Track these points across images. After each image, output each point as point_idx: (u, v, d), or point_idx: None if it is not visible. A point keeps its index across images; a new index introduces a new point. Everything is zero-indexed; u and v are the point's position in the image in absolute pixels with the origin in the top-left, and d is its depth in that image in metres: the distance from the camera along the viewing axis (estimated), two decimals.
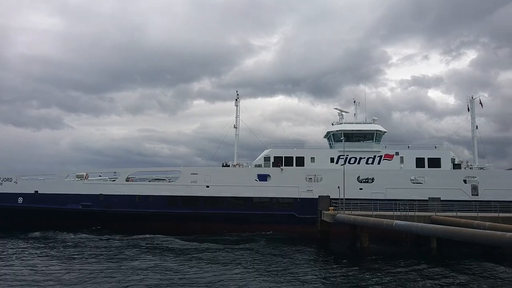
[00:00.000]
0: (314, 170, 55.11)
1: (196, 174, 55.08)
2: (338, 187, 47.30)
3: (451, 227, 31.30)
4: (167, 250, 39.20)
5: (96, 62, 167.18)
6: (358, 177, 54.58)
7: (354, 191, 51.40)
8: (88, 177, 57.20)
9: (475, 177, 54.01)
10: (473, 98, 62.41)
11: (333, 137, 60.02)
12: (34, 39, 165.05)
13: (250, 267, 30.89)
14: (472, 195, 52.64)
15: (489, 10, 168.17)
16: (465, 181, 53.72)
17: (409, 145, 59.60)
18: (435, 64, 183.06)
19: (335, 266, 32.46)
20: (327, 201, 47.29)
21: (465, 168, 57.23)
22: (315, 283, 26.22)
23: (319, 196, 48.64)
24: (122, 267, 30.21)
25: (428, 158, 56.55)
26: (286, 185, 53.84)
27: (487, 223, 34.56)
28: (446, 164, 56.30)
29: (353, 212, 43.71)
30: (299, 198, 53.56)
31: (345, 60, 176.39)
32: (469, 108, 62.92)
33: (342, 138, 57.53)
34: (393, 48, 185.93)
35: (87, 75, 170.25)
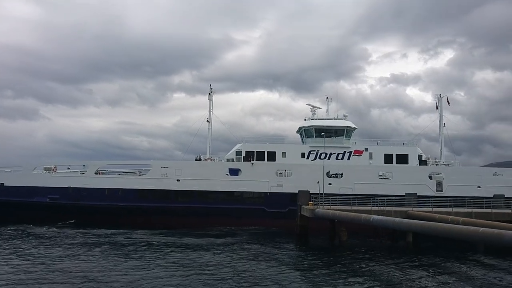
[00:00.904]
0: (285, 165, 55.69)
1: (167, 167, 54.92)
2: (318, 182, 47.81)
3: (428, 222, 31.93)
4: (148, 246, 38.21)
5: (75, 53, 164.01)
6: (328, 172, 55.39)
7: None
8: (56, 169, 56.31)
9: (440, 173, 55.62)
10: (441, 96, 64.06)
11: (304, 133, 60.72)
12: (10, 27, 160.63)
13: (229, 263, 30.50)
14: (437, 190, 54.24)
15: (465, 10, 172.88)
16: (430, 177, 55.26)
17: (378, 142, 60.88)
18: (414, 63, 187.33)
19: (314, 261, 32.88)
20: (306, 195, 47.70)
21: (432, 164, 58.85)
22: (294, 278, 26.40)
23: (298, 191, 48.97)
24: (106, 265, 29.15)
25: (396, 154, 57.90)
26: (256, 180, 54.23)
27: (461, 219, 35.47)
28: (413, 160, 57.76)
29: (332, 207, 44.12)
30: (269, 193, 54.07)
31: (326, 56, 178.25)
32: (437, 106, 64.58)
33: (314, 133, 58.46)
34: (373, 45, 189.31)
35: (65, 66, 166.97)
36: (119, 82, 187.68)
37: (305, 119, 63.34)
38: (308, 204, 46.00)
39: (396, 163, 57.42)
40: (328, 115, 63.66)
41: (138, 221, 50.74)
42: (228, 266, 29.24)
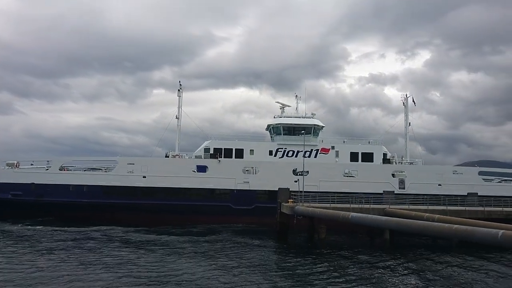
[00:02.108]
0: (251, 162, 56.17)
1: (133, 164, 54.66)
2: (298, 180, 48.41)
3: (404, 219, 32.62)
4: (129, 243, 37.82)
5: (52, 46, 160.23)
6: (295, 169, 56.12)
7: (289, 183, 52.66)
8: (19, 165, 55.29)
9: (403, 172, 57.05)
10: (407, 96, 65.58)
11: (273, 130, 61.32)
12: None
13: (207, 260, 30.62)
14: (399, 188, 55.57)
15: (441, 12, 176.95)
16: (393, 175, 56.62)
17: (345, 140, 62.00)
18: (391, 63, 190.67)
19: (293, 257, 33.43)
20: (286, 193, 48.04)
21: (397, 163, 60.22)
22: (272, 274, 26.86)
23: (278, 188, 49.27)
24: (93, 264, 28.45)
25: (361, 153, 59.06)
26: (223, 177, 54.51)
27: (436, 216, 36.25)
28: (378, 159, 59.04)
29: (312, 204, 44.39)
30: (236, 190, 54.43)
31: (306, 55, 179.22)
32: (404, 106, 65.99)
33: (282, 131, 59.25)
34: (352, 45, 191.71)
35: (41, 60, 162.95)
36: (98, 77, 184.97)
37: (274, 117, 64.02)
38: (288, 202, 46.42)
39: (362, 161, 58.58)
40: (297, 113, 64.40)
41: (104, 218, 50.32)
42: (209, 263, 29.27)
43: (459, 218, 35.74)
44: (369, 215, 36.51)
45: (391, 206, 44.84)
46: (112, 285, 23.24)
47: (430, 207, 43.71)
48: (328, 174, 55.25)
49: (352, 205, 43.71)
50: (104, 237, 40.89)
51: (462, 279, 26.86)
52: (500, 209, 44.21)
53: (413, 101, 65.44)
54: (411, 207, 44.43)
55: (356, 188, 53.31)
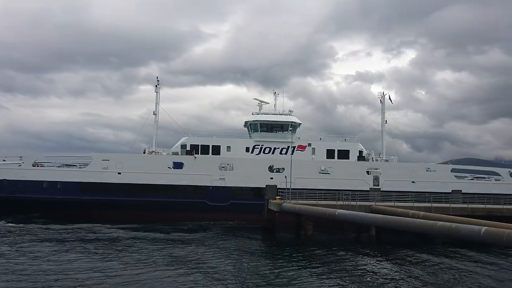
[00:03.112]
0: (227, 159, 56.20)
1: (108, 160, 54.23)
2: (285, 177, 48.55)
3: (390, 216, 33.03)
4: (119, 241, 37.28)
5: (36, 41, 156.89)
6: (271, 166, 56.46)
7: (265, 180, 52.99)
8: None
9: (378, 169, 57.74)
10: (384, 94, 66.24)
11: (250, 127, 61.47)
12: None
13: (194, 257, 30.59)
14: (374, 185, 56.25)
15: (426, 12, 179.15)
16: (368, 172, 57.29)
17: (321, 137, 62.47)
18: (378, 61, 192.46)
19: (280, 254, 33.76)
20: (274, 190, 48.23)
21: (373, 160, 60.91)
22: (257, 269, 27.20)
23: (266, 185, 49.47)
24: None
25: (338, 150, 59.62)
26: (199, 173, 54.47)
27: (421, 213, 36.75)
28: (354, 156, 59.69)
29: (299, 201, 44.48)
30: (211, 186, 54.49)
31: (294, 52, 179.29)
32: (381, 103, 66.64)
33: (259, 128, 59.45)
34: (339, 43, 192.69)
35: (25, 54, 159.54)
36: (83, 73, 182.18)
37: (252, 113, 64.11)
38: (276, 199, 46.54)
39: (338, 159, 59.11)
40: (275, 110, 64.61)
41: (79, 215, 49.93)
42: (197, 262, 29.14)
43: (444, 215, 36.52)
44: (356, 212, 36.86)
45: (377, 203, 45.12)
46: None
47: (416, 205, 44.18)
48: (304, 171, 55.55)
49: (338, 202, 44.02)
50: (91, 234, 40.41)
51: (447, 273, 27.67)
52: (483, 206, 45.28)
53: (390, 99, 66.16)
54: (397, 204, 44.78)
55: (332, 185, 53.65)
